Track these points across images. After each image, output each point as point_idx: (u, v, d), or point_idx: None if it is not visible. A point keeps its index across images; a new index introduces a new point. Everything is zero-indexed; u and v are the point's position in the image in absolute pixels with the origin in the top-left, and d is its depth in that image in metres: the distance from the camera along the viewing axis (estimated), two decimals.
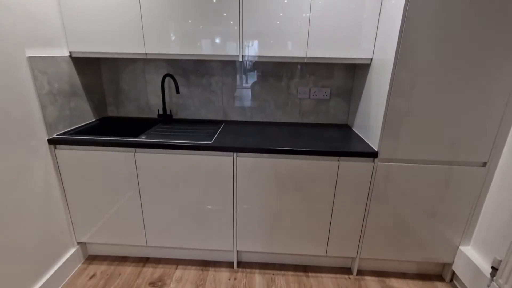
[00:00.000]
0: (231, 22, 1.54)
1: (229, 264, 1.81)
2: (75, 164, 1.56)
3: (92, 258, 1.83)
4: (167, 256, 1.85)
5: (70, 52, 1.64)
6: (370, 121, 1.59)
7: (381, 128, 1.43)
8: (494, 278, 1.31)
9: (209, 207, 1.63)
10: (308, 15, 1.51)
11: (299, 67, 1.93)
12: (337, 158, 1.49)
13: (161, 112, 2.06)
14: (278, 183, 1.55)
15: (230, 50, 1.59)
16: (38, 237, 1.46)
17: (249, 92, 2.01)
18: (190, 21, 1.54)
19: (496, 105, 1.35)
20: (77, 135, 1.58)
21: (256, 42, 1.57)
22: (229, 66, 1.95)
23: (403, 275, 1.75)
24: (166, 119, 2.01)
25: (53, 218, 1.56)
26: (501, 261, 1.29)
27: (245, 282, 1.67)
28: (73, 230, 1.72)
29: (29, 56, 1.36)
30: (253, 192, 1.58)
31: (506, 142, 1.41)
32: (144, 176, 1.58)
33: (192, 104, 2.05)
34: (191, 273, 1.73)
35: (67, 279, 1.66)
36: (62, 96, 1.59)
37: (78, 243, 1.77)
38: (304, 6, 1.49)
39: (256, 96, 2.02)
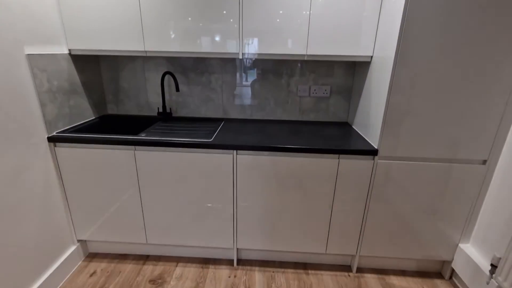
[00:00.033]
0: (231, 20, 1.53)
1: (229, 262, 1.81)
2: (75, 162, 1.56)
3: (92, 256, 1.83)
4: (167, 254, 1.86)
5: (69, 50, 1.63)
6: (370, 119, 1.59)
7: (381, 126, 1.43)
8: (494, 275, 1.32)
9: (209, 205, 1.63)
10: (308, 12, 1.50)
11: (299, 65, 1.92)
12: (337, 156, 1.49)
13: (160, 110, 2.06)
14: (278, 181, 1.56)
15: (230, 47, 1.58)
16: (38, 235, 1.46)
17: (249, 90, 2.01)
18: (190, 18, 1.54)
19: (496, 103, 1.34)
20: (77, 133, 1.58)
21: (256, 40, 1.57)
22: (229, 64, 1.94)
23: (402, 273, 1.76)
24: (165, 117, 2.01)
25: (53, 216, 1.56)
26: (500, 258, 1.30)
27: (245, 280, 1.68)
28: (73, 228, 1.72)
29: (28, 54, 1.35)
30: (253, 190, 1.58)
31: (506, 140, 1.41)
32: (144, 174, 1.58)
33: (192, 102, 2.05)
34: (191, 270, 1.74)
35: (68, 276, 1.66)
36: (61, 93, 1.59)
37: (79, 241, 1.77)
38: (304, 4, 1.49)
39: (256, 94, 2.01)
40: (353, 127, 1.89)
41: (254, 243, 1.72)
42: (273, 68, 1.94)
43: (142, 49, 1.60)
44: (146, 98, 2.04)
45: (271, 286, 1.64)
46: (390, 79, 1.34)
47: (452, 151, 1.44)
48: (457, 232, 1.60)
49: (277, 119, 2.06)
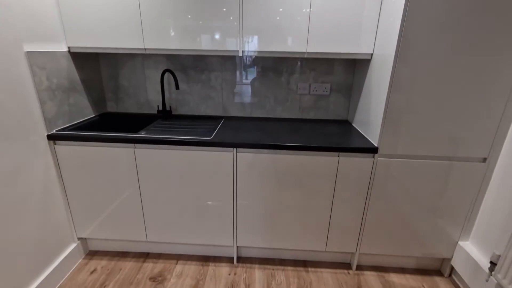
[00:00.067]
0: (231, 18, 1.53)
1: (229, 259, 1.82)
2: (74, 160, 1.56)
3: (92, 254, 1.84)
4: (168, 252, 1.86)
5: (68, 47, 1.63)
6: (370, 116, 1.58)
7: (381, 124, 1.43)
8: (493, 272, 1.32)
9: (209, 202, 1.63)
10: (308, 10, 1.49)
11: (299, 62, 1.92)
12: (337, 153, 1.49)
13: (160, 107, 2.05)
14: (278, 179, 1.56)
15: (230, 45, 1.58)
16: (39, 233, 1.47)
17: (249, 88, 2.01)
18: (189, 16, 1.53)
19: (497, 101, 1.34)
20: (77, 131, 1.58)
21: (256, 37, 1.56)
22: (229, 62, 1.94)
23: (402, 270, 1.76)
24: (165, 115, 2.00)
25: (53, 214, 1.57)
26: (500, 256, 1.30)
27: (245, 277, 1.68)
28: (74, 225, 1.72)
29: (27, 51, 1.35)
30: (253, 187, 1.58)
31: (506, 138, 1.41)
32: (144, 172, 1.58)
33: (191, 100, 2.04)
34: (191, 268, 1.74)
35: (68, 274, 1.67)
36: (61, 91, 1.59)
37: (79, 238, 1.77)
38: (304, 2, 1.48)
39: (256, 92, 2.01)
40: (353, 125, 1.89)
41: (254, 241, 1.72)
42: (273, 66, 1.94)
43: (141, 46, 1.59)
44: (146, 96, 2.04)
45: (271, 283, 1.64)
46: (391, 77, 1.34)
47: (452, 149, 1.44)
48: (456, 230, 1.60)
49: (277, 117, 2.06)
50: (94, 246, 1.86)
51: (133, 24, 1.55)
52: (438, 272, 1.75)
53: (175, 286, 1.60)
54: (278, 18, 1.52)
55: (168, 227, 1.71)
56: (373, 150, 1.46)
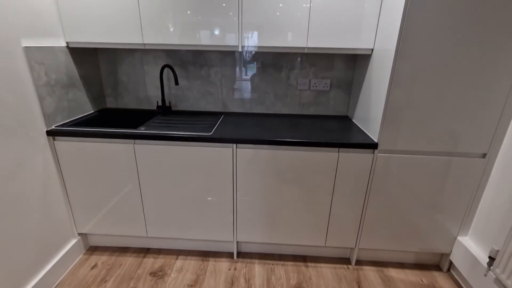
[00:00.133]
0: (231, 13, 1.51)
1: (229, 255, 1.82)
2: (74, 155, 1.56)
3: (93, 249, 1.84)
4: (168, 247, 1.87)
5: (67, 43, 1.61)
6: (370, 112, 1.58)
7: (381, 120, 1.43)
8: (491, 267, 1.33)
9: (209, 198, 1.64)
10: (308, 5, 1.48)
11: (299, 58, 1.91)
12: (336, 149, 1.49)
13: (160, 103, 2.05)
14: (277, 174, 1.56)
15: (230, 40, 1.57)
16: (39, 228, 1.47)
17: (248, 84, 2.00)
18: (189, 11, 1.52)
19: (497, 97, 1.34)
20: (76, 126, 1.57)
21: (255, 33, 1.55)
22: (229, 57, 1.93)
23: (401, 265, 1.77)
24: (165, 111, 2.00)
25: (54, 209, 1.57)
26: (498, 251, 1.31)
27: (245, 272, 1.69)
28: (74, 221, 1.72)
29: (25, 46, 1.34)
30: (252, 183, 1.58)
31: (506, 134, 1.41)
32: (143, 167, 1.58)
33: (191, 95, 2.04)
34: (192, 263, 1.75)
35: (69, 269, 1.67)
36: (59, 87, 1.58)
37: (79, 234, 1.78)
38: None
39: (255, 87, 2.00)
40: (353, 120, 1.88)
41: (254, 236, 1.73)
42: (273, 62, 1.93)
43: (140, 42, 1.58)
44: (145, 91, 2.03)
45: (270, 278, 1.65)
46: (391, 73, 1.34)
47: (452, 144, 1.44)
48: (455, 225, 1.61)
49: (277, 113, 2.05)
50: (94, 241, 1.87)
51: (132, 19, 1.54)
52: (437, 267, 1.76)
53: (176, 281, 1.61)
54: (278, 13, 1.50)
55: (168, 223, 1.71)
56: (373, 145, 1.46)
